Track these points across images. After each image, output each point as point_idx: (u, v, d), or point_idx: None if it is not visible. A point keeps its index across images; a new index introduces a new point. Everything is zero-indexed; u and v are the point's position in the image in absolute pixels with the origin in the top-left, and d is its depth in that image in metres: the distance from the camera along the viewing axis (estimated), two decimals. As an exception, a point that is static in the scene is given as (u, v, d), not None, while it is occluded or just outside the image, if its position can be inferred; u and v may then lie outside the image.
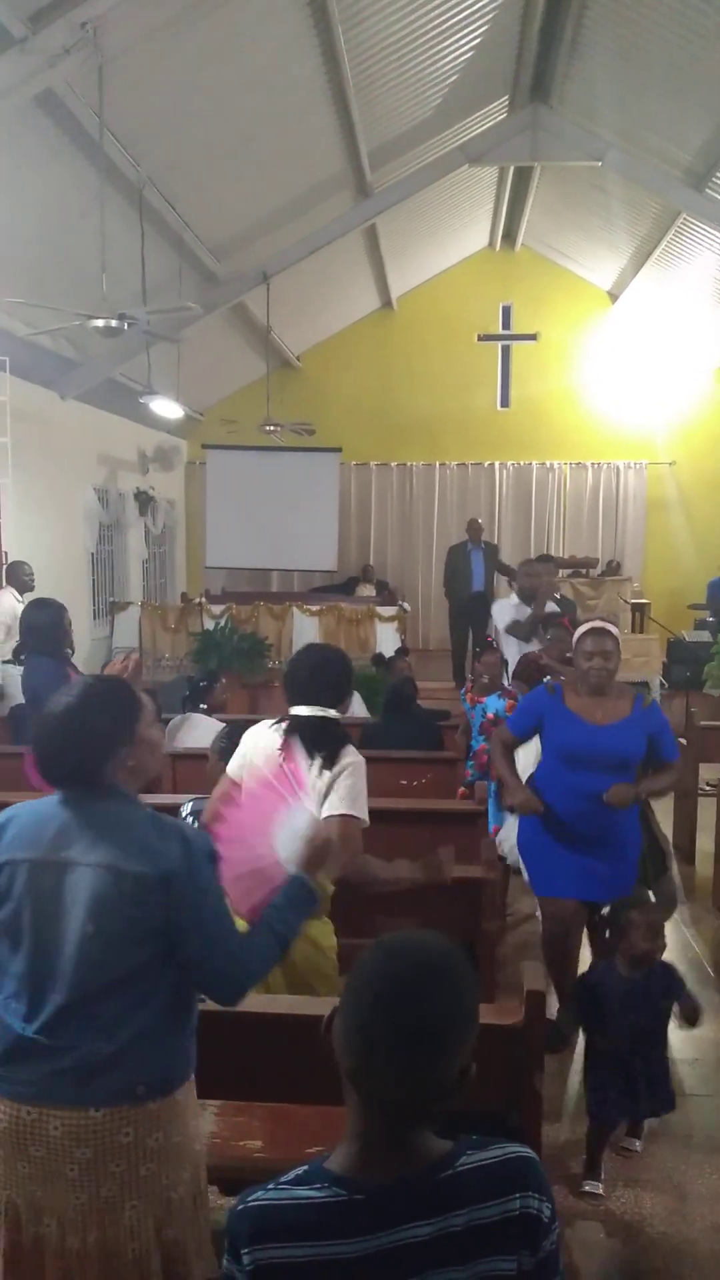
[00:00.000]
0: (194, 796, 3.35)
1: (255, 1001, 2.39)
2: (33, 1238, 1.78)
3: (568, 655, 5.74)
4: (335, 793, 2.67)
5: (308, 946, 2.63)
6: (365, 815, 2.71)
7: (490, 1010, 2.38)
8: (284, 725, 2.78)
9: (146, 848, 1.79)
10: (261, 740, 2.79)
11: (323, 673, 2.78)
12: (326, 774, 2.67)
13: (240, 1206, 1.22)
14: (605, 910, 3.15)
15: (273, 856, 2.02)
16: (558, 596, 6.80)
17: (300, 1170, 1.22)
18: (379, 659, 8.64)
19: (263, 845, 2.03)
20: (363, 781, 2.72)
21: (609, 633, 3.57)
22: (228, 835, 2.05)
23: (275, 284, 9.60)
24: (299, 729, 2.74)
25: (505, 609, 6.52)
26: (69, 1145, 1.74)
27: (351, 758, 2.73)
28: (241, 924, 1.92)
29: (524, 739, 3.72)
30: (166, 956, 1.79)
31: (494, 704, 5.12)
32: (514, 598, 6.55)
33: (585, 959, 3.77)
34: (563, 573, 11.88)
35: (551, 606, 6.40)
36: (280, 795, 2.12)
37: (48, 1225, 1.77)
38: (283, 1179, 1.22)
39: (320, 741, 2.71)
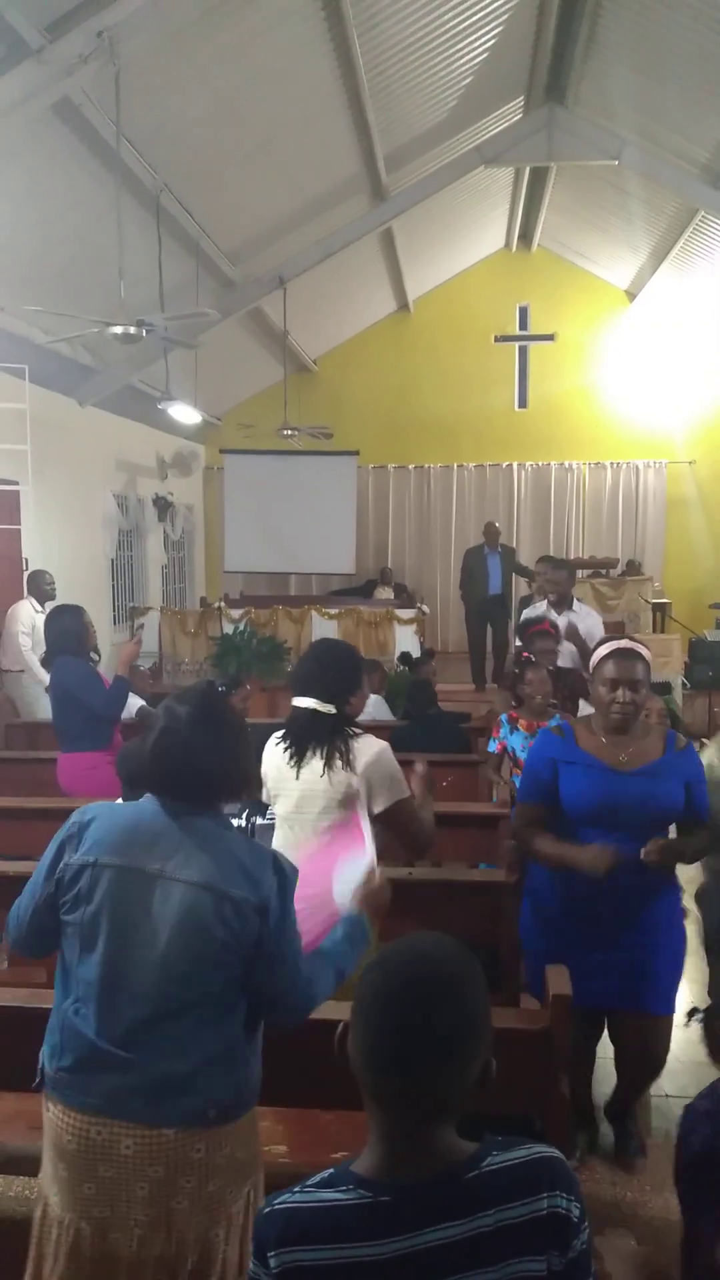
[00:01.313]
0: None
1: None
2: (98, 1253, 1.76)
3: (553, 668, 4.69)
4: (384, 783, 2.69)
5: None
6: (408, 792, 2.76)
7: (515, 1015, 2.37)
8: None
9: (246, 873, 1.77)
10: (275, 758, 2.81)
11: (325, 667, 2.78)
12: (342, 771, 2.67)
13: (267, 1210, 1.22)
14: (695, 1013, 2.38)
15: (329, 890, 2.07)
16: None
17: (326, 1173, 1.22)
18: (406, 657, 8.62)
19: (321, 883, 2.11)
20: (395, 763, 2.76)
21: (638, 655, 2.77)
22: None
23: (292, 288, 9.62)
24: (294, 723, 2.76)
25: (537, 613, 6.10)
26: (141, 1164, 1.72)
27: (376, 745, 2.74)
28: None
29: (550, 802, 2.83)
30: (244, 979, 1.78)
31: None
32: (543, 603, 6.06)
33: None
34: (583, 573, 11.84)
35: (589, 613, 5.85)
36: (339, 852, 2.15)
37: (115, 1239, 1.75)
38: (309, 1182, 1.22)
39: (309, 736, 2.72)
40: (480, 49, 7.88)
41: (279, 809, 2.82)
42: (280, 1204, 1.21)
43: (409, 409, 13.28)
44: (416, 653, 9.36)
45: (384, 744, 2.77)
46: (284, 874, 1.82)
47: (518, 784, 4.03)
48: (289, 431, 10.87)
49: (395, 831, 2.74)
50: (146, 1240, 1.73)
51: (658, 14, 7.09)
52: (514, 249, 13.16)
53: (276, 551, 12.20)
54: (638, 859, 2.64)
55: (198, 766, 1.82)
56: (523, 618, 6.24)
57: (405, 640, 9.97)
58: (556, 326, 12.85)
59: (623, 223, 10.90)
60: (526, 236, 12.81)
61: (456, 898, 3.43)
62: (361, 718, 6.52)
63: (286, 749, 2.75)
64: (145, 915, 1.74)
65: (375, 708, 6.53)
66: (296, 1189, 1.22)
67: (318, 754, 2.70)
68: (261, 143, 7.57)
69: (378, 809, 2.66)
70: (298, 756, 2.72)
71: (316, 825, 2.70)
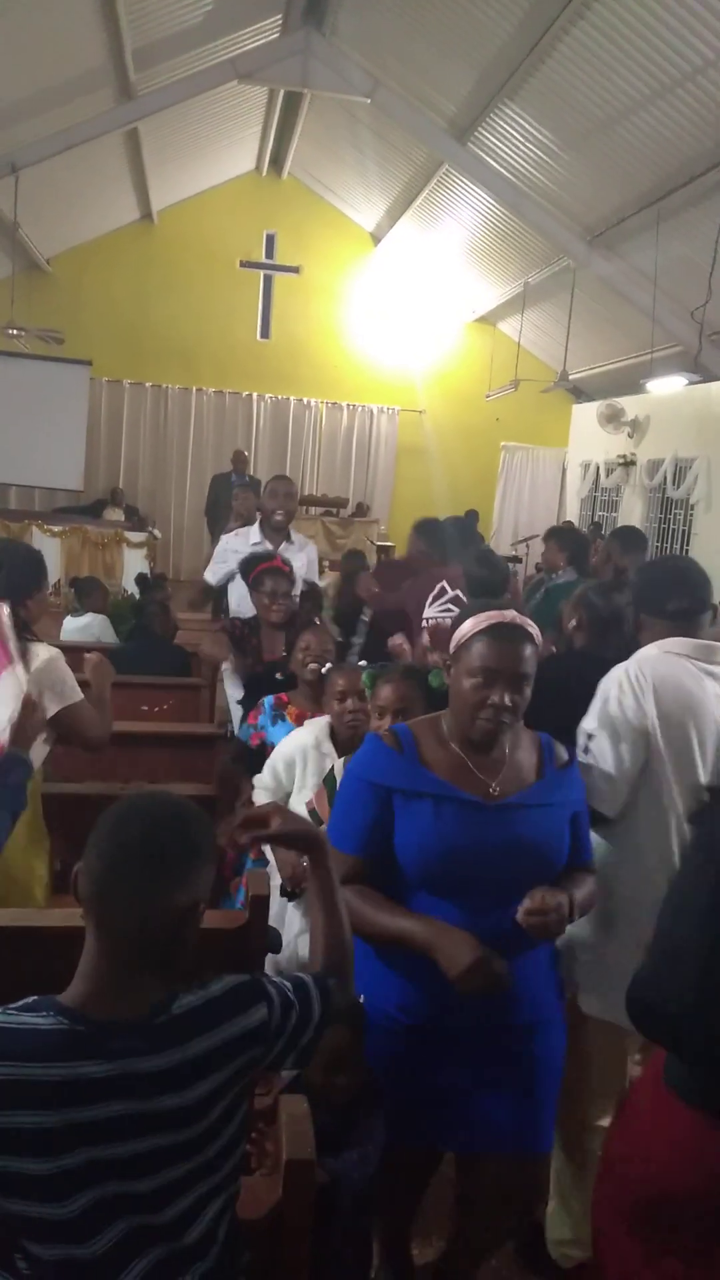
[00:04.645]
0: None
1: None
2: None
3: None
4: (53, 688, 2.70)
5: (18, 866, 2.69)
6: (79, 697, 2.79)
7: (216, 916, 2.48)
8: None
9: None
10: None
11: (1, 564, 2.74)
12: (18, 670, 2.64)
13: None
14: None
15: None
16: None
17: (31, 1000, 1.30)
18: (142, 580, 8.46)
19: None
20: (66, 670, 2.77)
21: (525, 635, 1.87)
22: None
23: (25, 177, 8.92)
24: None
25: (237, 543, 4.81)
26: None
27: (48, 651, 2.74)
28: None
29: (376, 853, 1.90)
30: None
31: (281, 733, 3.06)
32: (254, 531, 4.86)
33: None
34: (314, 510, 12.10)
35: (307, 543, 5.01)
36: None
37: None
38: (12, 1006, 1.29)
39: None
40: (240, -45, 7.61)
41: None
42: None
43: (149, 325, 12.82)
44: (159, 576, 9.22)
45: (57, 651, 2.78)
46: None
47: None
48: (15, 331, 10.16)
49: (67, 736, 2.78)
50: None
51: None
52: (264, 174, 12.95)
53: (-5, 460, 11.43)
54: (510, 930, 1.78)
55: None
56: (234, 547, 4.84)
57: (135, 564, 9.77)
58: (303, 260, 12.84)
59: (372, 164, 11.02)
60: (277, 163, 12.64)
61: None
62: (84, 637, 6.41)
63: None
64: None
65: (100, 628, 6.41)
66: None
67: None
68: (-3, 8, 6.91)
69: (47, 715, 2.68)
70: None
71: None
